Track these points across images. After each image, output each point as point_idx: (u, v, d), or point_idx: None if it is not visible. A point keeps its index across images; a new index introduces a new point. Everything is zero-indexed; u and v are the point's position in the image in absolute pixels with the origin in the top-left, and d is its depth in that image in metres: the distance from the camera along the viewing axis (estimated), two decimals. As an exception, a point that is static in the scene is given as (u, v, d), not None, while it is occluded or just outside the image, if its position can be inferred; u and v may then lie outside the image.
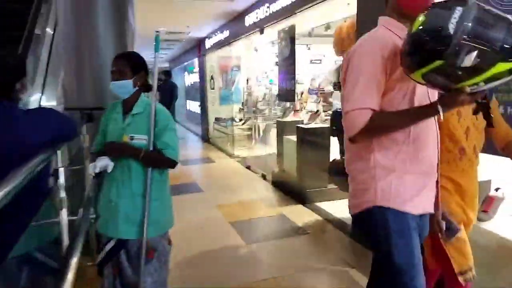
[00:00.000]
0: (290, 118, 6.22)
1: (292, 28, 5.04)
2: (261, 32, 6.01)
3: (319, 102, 8.25)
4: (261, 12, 5.67)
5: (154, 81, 2.04)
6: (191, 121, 13.65)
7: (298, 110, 14.07)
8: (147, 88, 2.04)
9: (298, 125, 5.08)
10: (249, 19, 6.20)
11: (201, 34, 9.30)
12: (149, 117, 1.94)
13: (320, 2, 4.15)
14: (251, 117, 9.21)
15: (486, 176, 2.69)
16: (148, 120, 1.94)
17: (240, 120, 9.55)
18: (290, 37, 5.13)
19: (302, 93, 13.14)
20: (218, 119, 10.05)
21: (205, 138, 10.60)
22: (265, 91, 14.19)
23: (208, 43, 9.26)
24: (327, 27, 9.93)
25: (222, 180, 6.14)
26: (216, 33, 8.45)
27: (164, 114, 2.01)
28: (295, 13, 4.78)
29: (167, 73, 9.29)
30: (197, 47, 10.51)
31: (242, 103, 9.92)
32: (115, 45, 3.22)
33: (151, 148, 1.93)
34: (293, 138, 5.24)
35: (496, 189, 2.85)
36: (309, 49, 16.29)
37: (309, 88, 13.89)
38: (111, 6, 3.22)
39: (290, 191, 5.14)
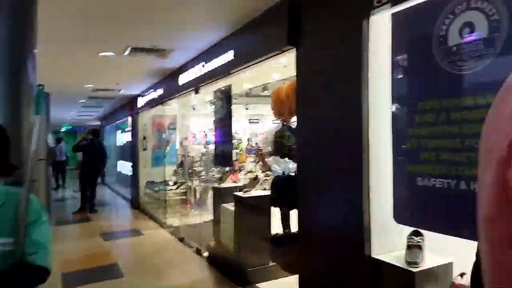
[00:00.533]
0: (227, 183, 5.68)
1: (228, 88, 4.69)
2: (196, 91, 5.61)
3: (257, 162, 7.90)
4: (196, 71, 5.30)
5: (29, 151, 1.43)
6: (122, 184, 12.57)
7: (236, 171, 13.53)
8: (7, 170, 1.41)
9: (236, 194, 4.55)
10: (183, 78, 5.80)
11: (133, 92, 8.74)
12: (10, 211, 1.30)
13: (256, 63, 3.85)
14: (186, 180, 8.54)
15: (447, 257, 2.33)
16: (10, 216, 1.29)
17: (175, 183, 8.82)
18: (226, 97, 4.75)
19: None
20: (150, 183, 9.21)
21: (135, 204, 9.61)
22: (203, 151, 13.71)
23: (141, 101, 8.70)
24: (265, 88, 9.89)
25: (150, 258, 5.29)
26: (149, 91, 7.95)
27: (36, 203, 1.38)
28: (231, 73, 4.45)
29: (94, 132, 8.59)
30: (130, 105, 9.88)
31: (177, 164, 9.27)
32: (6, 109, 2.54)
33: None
34: (231, 207, 4.68)
35: (461, 275, 2.47)
36: (247, 109, 16.44)
37: (246, 148, 13.68)
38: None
39: (227, 269, 4.47)
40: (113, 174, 14.41)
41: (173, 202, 8.80)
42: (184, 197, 8.58)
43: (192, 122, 10.92)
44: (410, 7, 2.24)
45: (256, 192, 4.54)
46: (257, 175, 5.01)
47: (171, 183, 8.85)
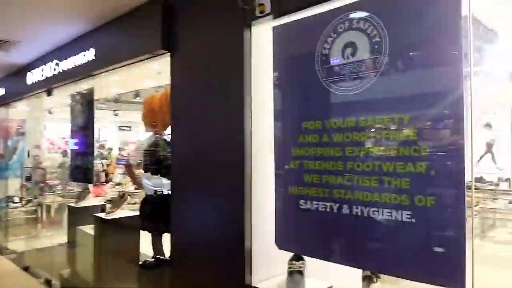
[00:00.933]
0: (87, 201, 4.92)
1: (89, 92, 4.05)
2: (49, 93, 4.75)
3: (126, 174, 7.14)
4: (47, 70, 4.47)
5: None
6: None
7: (102, 183, 12.39)
8: None
9: (97, 215, 3.92)
10: (33, 77, 4.86)
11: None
12: None
13: (123, 66, 3.37)
14: (37, 195, 7.27)
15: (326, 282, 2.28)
16: None
17: (21, 199, 7.43)
18: (87, 102, 4.10)
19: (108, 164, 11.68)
20: (-11, 199, 7.59)
21: (-34, 225, 7.79)
22: (61, 161, 12.09)
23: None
24: (137, 94, 9.18)
25: (-21, 298, 4.22)
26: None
27: None
28: (92, 75, 3.85)
29: None
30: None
31: (27, 177, 7.86)
32: None
33: None
34: (90, 230, 4.02)
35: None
36: (116, 115, 15.11)
37: (117, 158, 12.58)
38: None
39: (85, 304, 3.81)
40: None
41: (18, 222, 7.40)
42: (34, 215, 7.29)
43: (49, 128, 9.49)
44: (294, 21, 2.12)
45: (122, 212, 3.98)
46: (124, 193, 4.44)
47: (16, 199, 7.45)
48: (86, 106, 4.13)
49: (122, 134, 19.33)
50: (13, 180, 7.65)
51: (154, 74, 4.09)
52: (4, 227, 6.57)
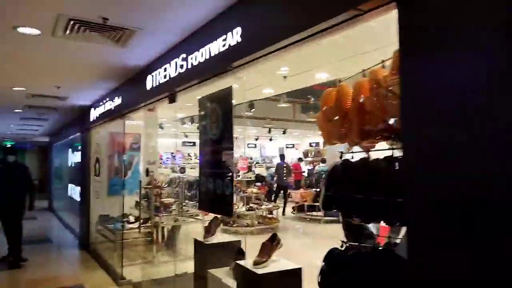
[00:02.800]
0: (219, 236, 3.82)
1: (227, 93, 2.97)
2: (172, 99, 3.83)
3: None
4: (172, 68, 3.54)
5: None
6: (72, 212, 10.25)
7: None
8: None
9: (242, 265, 2.76)
10: (153, 80, 4.01)
11: (84, 101, 6.78)
12: None
13: (289, 45, 2.17)
14: (152, 215, 6.60)
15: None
16: None
17: (137, 219, 6.84)
18: (223, 106, 3.04)
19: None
20: (104, 217, 7.18)
21: (84, 243, 7.52)
22: (172, 177, 11.74)
23: (94, 114, 6.75)
24: (251, 105, 8.20)
25: None
26: (104, 101, 6.04)
27: None
28: (232, 69, 2.75)
29: (12, 150, 6.49)
30: (81, 118, 7.88)
31: (141, 195, 7.33)
32: None
33: None
34: (227, 278, 2.90)
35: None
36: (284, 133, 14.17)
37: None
38: None
39: None
40: (62, 199, 12.09)
41: (133, 244, 6.83)
42: (149, 238, 6.65)
43: (159, 143, 9.05)
44: None
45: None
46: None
47: (131, 218, 6.89)
48: (221, 112, 3.07)
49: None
50: (127, 197, 7.17)
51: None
52: (119, 250, 5.95)
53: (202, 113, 3.44)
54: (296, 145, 19.40)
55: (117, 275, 5.47)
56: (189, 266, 4.06)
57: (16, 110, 7.55)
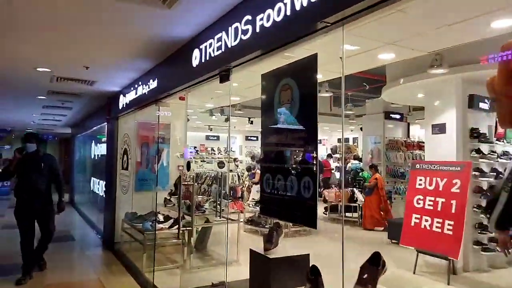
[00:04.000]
0: (282, 249, 3.03)
1: (311, 61, 2.23)
2: (224, 77, 3.11)
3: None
4: (231, 37, 2.81)
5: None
6: (95, 207, 9.69)
7: (239, 198, 10.87)
8: None
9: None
10: (201, 54, 3.31)
11: (112, 87, 6.16)
12: None
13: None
14: (183, 214, 5.93)
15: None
16: None
17: (166, 218, 6.19)
18: (305, 80, 2.30)
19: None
20: (131, 215, 6.56)
21: (109, 243, 6.93)
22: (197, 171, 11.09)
23: (124, 101, 6.12)
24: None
25: None
26: (136, 85, 5.39)
27: None
28: (327, 25, 2.01)
29: (32, 137, 5.08)
30: (107, 106, 7.28)
31: (170, 191, 6.70)
32: None
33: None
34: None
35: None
36: (251, 122, 13.68)
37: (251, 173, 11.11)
38: None
39: None
40: (85, 193, 11.61)
41: (161, 245, 6.19)
42: (181, 239, 5.99)
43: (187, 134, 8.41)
44: None
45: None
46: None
47: (160, 217, 6.23)
48: (297, 90, 2.34)
49: (249, 144, 18.31)
50: (159, 191, 6.54)
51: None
52: (149, 253, 5.30)
53: (265, 93, 2.71)
54: (323, 140, 18.55)
55: (148, 283, 4.82)
56: (223, 274, 3.41)
57: (40, 97, 7.00)
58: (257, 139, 18.77)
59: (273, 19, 2.31)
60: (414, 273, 5.51)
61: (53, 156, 5.69)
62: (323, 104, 11.59)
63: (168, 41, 3.69)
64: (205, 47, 3.21)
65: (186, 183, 6.53)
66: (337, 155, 14.63)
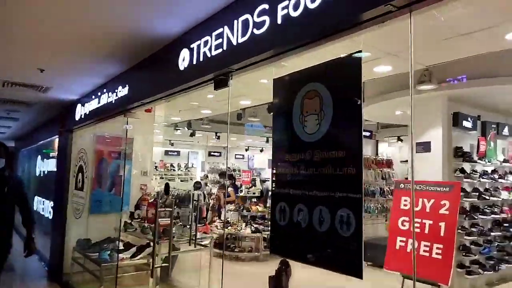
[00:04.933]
0: None
1: (354, 61, 1.76)
2: (220, 83, 2.57)
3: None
4: (237, 31, 2.30)
5: None
6: (39, 231, 8.48)
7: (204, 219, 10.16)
8: None
9: None
10: (192, 55, 2.75)
11: (70, 94, 5.36)
12: None
13: None
14: (154, 241, 5.19)
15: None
16: None
17: (127, 246, 5.41)
18: (345, 84, 1.84)
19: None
20: (85, 243, 5.69)
21: (57, 275, 5.97)
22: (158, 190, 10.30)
23: (82, 111, 5.33)
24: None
25: None
26: (99, 93, 4.67)
27: None
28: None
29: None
30: (61, 117, 6.39)
31: (131, 213, 5.97)
32: None
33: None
34: None
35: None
36: (218, 138, 13.03)
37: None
38: None
39: None
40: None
41: (126, 279, 5.39)
42: (146, 271, 5.22)
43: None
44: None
45: None
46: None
47: (120, 245, 5.42)
48: (331, 96, 1.87)
49: (212, 160, 17.64)
50: (110, 216, 5.76)
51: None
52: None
53: (280, 101, 2.22)
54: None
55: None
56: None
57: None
58: (220, 155, 18.14)
59: (305, 5, 1.83)
60: (400, 301, 5.15)
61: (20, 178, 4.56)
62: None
63: (146, 40, 3.09)
64: (198, 46, 2.66)
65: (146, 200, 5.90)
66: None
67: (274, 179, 2.23)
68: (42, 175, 9.74)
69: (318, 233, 1.89)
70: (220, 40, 2.42)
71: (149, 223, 5.55)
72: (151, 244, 5.23)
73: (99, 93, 4.64)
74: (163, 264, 4.50)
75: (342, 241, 1.75)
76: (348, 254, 1.73)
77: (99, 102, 4.62)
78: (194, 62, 2.69)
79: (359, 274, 1.68)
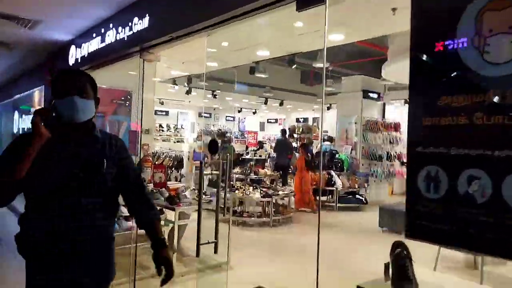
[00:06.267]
0: None
1: None
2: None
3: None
4: None
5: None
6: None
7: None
8: None
9: None
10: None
11: (63, 33, 4.40)
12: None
13: None
14: (163, 207, 4.50)
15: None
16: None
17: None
18: None
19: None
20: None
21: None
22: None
23: (76, 54, 4.41)
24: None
25: None
26: (103, 29, 3.77)
27: None
28: None
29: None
30: (48, 64, 5.41)
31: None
32: None
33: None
34: None
35: None
36: (215, 96, 12.09)
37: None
38: None
39: None
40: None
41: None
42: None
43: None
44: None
45: None
46: None
47: (124, 209, 4.70)
48: None
49: (203, 122, 16.75)
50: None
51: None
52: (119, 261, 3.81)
53: (428, 22, 1.50)
54: (280, 120, 17.63)
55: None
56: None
57: None
58: (210, 116, 17.27)
59: None
60: (434, 269, 4.72)
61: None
62: (293, 80, 10.60)
63: None
64: None
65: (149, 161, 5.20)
66: (295, 135, 13.85)
67: (416, 133, 1.54)
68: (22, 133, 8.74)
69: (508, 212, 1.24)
70: None
71: (157, 187, 4.87)
72: (164, 210, 4.58)
73: (102, 29, 3.73)
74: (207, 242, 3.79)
75: None
76: None
77: (102, 41, 3.73)
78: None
79: None
